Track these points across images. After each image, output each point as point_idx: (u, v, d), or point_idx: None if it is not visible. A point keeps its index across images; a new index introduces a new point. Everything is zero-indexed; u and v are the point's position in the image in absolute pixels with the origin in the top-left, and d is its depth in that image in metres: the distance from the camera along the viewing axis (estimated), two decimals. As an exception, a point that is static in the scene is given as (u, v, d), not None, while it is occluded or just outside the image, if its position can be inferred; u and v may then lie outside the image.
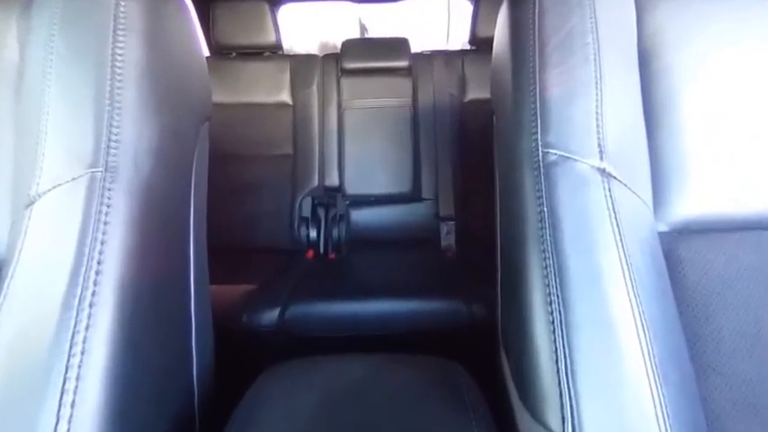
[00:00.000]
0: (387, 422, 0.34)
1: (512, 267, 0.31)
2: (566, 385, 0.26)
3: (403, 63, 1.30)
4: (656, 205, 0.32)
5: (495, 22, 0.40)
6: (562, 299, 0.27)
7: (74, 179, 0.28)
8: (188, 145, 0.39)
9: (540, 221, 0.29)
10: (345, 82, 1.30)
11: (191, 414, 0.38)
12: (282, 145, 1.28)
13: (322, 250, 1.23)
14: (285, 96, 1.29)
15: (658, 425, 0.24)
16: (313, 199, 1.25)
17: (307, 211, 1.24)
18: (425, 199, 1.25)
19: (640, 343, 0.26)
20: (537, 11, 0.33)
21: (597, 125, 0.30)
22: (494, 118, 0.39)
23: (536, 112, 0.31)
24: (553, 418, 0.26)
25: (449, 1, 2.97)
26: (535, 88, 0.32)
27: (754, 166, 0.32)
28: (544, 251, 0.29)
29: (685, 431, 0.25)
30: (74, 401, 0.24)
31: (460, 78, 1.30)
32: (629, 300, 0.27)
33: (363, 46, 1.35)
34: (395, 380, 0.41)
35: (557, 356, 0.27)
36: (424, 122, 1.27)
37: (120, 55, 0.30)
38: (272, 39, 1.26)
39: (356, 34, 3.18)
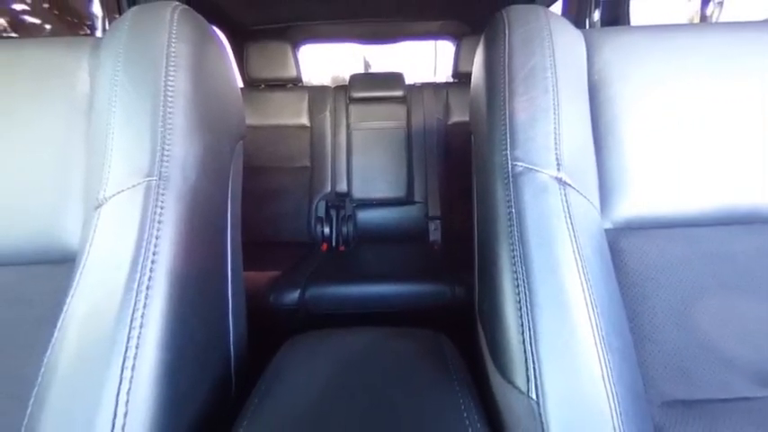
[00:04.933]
0: (385, 383, 0.34)
1: (486, 258, 0.31)
2: (530, 352, 0.26)
3: (399, 93, 1.30)
4: (602, 207, 0.32)
5: (473, 60, 0.40)
6: (527, 283, 0.27)
7: (134, 186, 0.28)
8: (226, 159, 0.39)
9: (510, 221, 0.29)
10: (353, 108, 1.30)
11: (228, 376, 0.38)
12: (302, 159, 1.28)
13: (334, 244, 1.23)
14: (304, 120, 1.29)
15: (604, 385, 0.24)
16: (326, 202, 1.25)
17: (321, 212, 1.24)
18: (417, 202, 1.25)
19: (590, 318, 0.26)
20: (507, 51, 0.33)
21: (555, 143, 0.30)
22: (472, 137, 0.38)
23: (506, 133, 0.31)
24: (520, 379, 0.26)
25: (435, 43, 2.96)
26: (505, 113, 0.32)
27: (677, 178, 0.32)
28: (512, 245, 0.28)
29: (626, 390, 0.25)
30: (134, 365, 0.24)
31: (445, 105, 1.30)
32: (581, 284, 0.27)
33: (367, 79, 1.34)
34: (393, 349, 0.41)
35: (523, 329, 0.26)
36: (416, 141, 1.27)
37: (171, 87, 0.30)
38: (293, 73, 1.26)
39: (361, 69, 3.18)
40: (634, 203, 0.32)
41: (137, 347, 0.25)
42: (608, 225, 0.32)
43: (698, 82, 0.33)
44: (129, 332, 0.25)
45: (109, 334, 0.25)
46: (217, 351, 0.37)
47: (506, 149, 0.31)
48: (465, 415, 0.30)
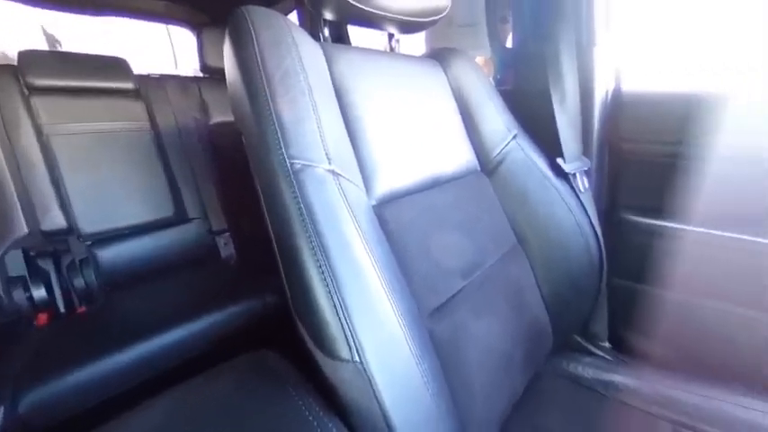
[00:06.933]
0: None
1: (289, 254, 0.31)
2: (346, 323, 0.29)
3: (127, 85, 0.99)
4: (366, 189, 0.40)
5: (221, 55, 0.37)
6: (329, 267, 0.29)
7: None
8: None
9: (301, 215, 0.30)
10: (39, 102, 0.86)
11: None
12: None
13: (63, 308, 0.81)
14: None
15: (396, 319, 0.32)
16: (26, 251, 0.79)
17: (18, 269, 0.77)
18: (194, 218, 1.04)
19: (377, 276, 0.32)
20: (258, 52, 0.33)
21: (321, 140, 0.34)
22: (243, 138, 0.36)
23: (277, 133, 0.31)
24: (344, 350, 0.29)
25: (168, 28, 2.46)
26: (272, 113, 0.32)
27: (402, 161, 0.46)
28: (309, 236, 0.30)
29: (409, 316, 0.33)
30: None
31: (201, 103, 1.14)
32: (366, 253, 0.32)
33: (60, 61, 0.92)
34: (202, 399, 0.33)
35: (336, 308, 0.29)
36: (171, 145, 1.03)
37: None
38: None
39: (43, 46, 2.13)
40: (384, 183, 0.42)
41: None
42: (373, 202, 0.40)
43: (395, 93, 0.48)
44: None
45: None
46: None
47: (281, 149, 0.31)
48: (307, 414, 0.31)
